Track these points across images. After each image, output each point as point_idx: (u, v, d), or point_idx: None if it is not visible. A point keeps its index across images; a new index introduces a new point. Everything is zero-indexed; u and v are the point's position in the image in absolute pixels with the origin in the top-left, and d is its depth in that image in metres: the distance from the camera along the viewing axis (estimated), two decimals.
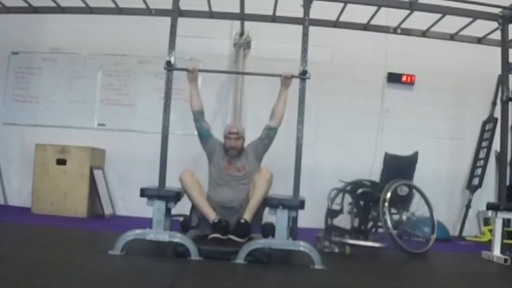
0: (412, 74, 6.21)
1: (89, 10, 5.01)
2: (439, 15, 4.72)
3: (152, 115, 5.37)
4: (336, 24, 5.06)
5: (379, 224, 4.47)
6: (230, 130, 4.27)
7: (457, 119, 6.26)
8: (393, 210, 4.41)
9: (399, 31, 5.08)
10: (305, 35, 4.06)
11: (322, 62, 5.92)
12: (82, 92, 6.18)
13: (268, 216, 3.82)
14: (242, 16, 5.11)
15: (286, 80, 4.14)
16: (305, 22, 4.09)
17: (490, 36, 4.98)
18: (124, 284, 2.82)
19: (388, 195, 4.33)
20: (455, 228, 6.01)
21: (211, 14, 4.94)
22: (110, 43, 6.10)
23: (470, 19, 4.73)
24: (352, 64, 6.19)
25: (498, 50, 4.70)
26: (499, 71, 4.86)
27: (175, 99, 4.24)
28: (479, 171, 6.10)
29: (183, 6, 4.33)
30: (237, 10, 4.96)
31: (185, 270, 3.29)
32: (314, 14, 4.17)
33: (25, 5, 5.00)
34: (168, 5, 4.27)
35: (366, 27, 5.07)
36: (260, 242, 3.62)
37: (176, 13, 4.21)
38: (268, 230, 3.83)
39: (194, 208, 4.06)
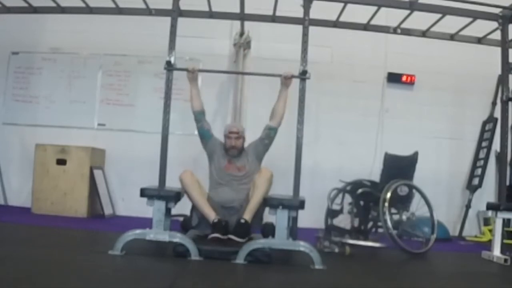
0: (412, 74, 6.21)
1: (89, 10, 5.01)
2: (439, 15, 4.72)
3: (152, 115, 5.37)
4: (336, 24, 5.06)
5: (379, 224, 4.47)
6: (230, 129, 4.27)
7: (457, 119, 6.26)
8: (393, 210, 4.41)
9: (399, 31, 5.08)
10: (305, 35, 4.06)
11: (322, 62, 5.92)
12: (82, 92, 6.18)
13: (268, 216, 3.83)
14: (242, 16, 5.11)
15: (286, 80, 4.14)
16: (305, 22, 4.09)
17: (490, 36, 4.98)
18: (124, 284, 2.82)
19: (388, 195, 4.33)
20: (455, 228, 6.01)
21: (211, 14, 4.94)
22: (110, 43, 6.10)
23: (470, 19, 4.73)
24: (352, 64, 6.19)
25: (498, 50, 4.70)
26: (499, 71, 4.86)
27: (175, 99, 4.24)
28: (479, 171, 6.11)
29: (183, 6, 4.33)
30: (237, 10, 4.96)
31: (185, 270, 3.29)
32: (314, 14, 4.17)
33: (25, 5, 5.00)
34: (168, 5, 4.27)
35: (366, 27, 5.07)
36: (260, 242, 3.62)
37: (176, 13, 4.21)
38: (268, 230, 3.84)
39: (194, 208, 4.07)
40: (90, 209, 5.62)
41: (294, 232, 3.82)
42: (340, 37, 5.64)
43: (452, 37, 5.14)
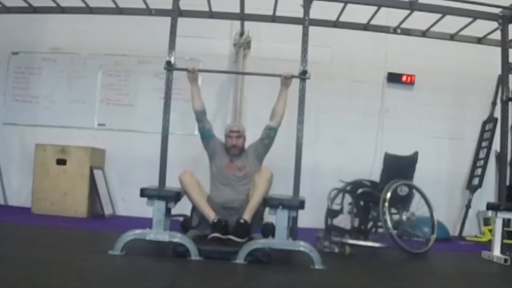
0: (412, 74, 6.21)
1: (89, 10, 5.01)
2: (439, 15, 4.72)
3: (152, 115, 5.37)
4: (336, 24, 5.06)
5: (379, 224, 4.47)
6: (231, 128, 4.29)
7: (457, 119, 6.26)
8: (393, 210, 4.41)
9: (399, 31, 5.08)
10: (305, 35, 4.05)
11: (322, 62, 5.92)
12: (82, 92, 6.18)
13: (268, 216, 3.83)
14: (242, 16, 5.11)
15: (286, 80, 4.14)
16: (305, 22, 4.09)
17: (490, 36, 4.98)
18: (124, 284, 2.82)
19: (388, 195, 4.33)
20: (455, 228, 6.01)
21: (211, 14, 4.94)
22: (110, 43, 6.10)
23: (470, 19, 4.73)
24: (352, 64, 6.19)
25: (498, 50, 4.70)
26: (499, 71, 4.86)
27: (175, 99, 4.24)
28: (479, 171, 6.10)
29: (183, 6, 4.33)
30: (237, 10, 4.96)
31: (185, 270, 3.29)
32: (314, 14, 4.17)
33: (25, 5, 5.00)
34: (168, 5, 4.27)
35: (366, 27, 5.07)
36: (260, 242, 3.62)
37: (176, 13, 4.21)
38: (268, 230, 3.84)
39: (194, 208, 4.07)
40: (90, 209, 5.62)
41: (294, 232, 3.82)
42: (340, 37, 5.64)
43: (452, 37, 5.14)
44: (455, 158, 6.26)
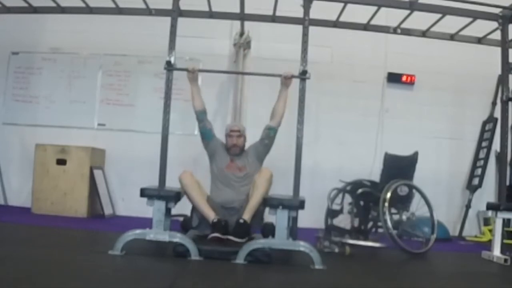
0: (412, 74, 6.21)
1: (89, 10, 5.01)
2: (439, 15, 4.72)
3: (152, 115, 5.37)
4: (336, 24, 5.06)
5: (379, 224, 4.47)
6: (231, 128, 4.31)
7: (457, 119, 6.26)
8: (393, 210, 4.41)
9: (399, 31, 5.07)
10: (305, 35, 4.05)
11: (322, 62, 5.92)
12: (82, 92, 6.18)
13: (268, 216, 3.82)
14: (242, 16, 5.11)
15: (286, 80, 4.14)
16: (305, 22, 4.09)
17: (490, 36, 4.98)
18: (124, 284, 2.82)
19: (388, 195, 4.33)
20: (455, 228, 6.01)
21: (211, 14, 4.94)
22: (110, 43, 6.10)
23: (470, 19, 4.73)
24: (352, 64, 6.19)
25: (498, 50, 4.70)
26: (499, 71, 4.86)
27: (175, 99, 4.24)
28: (479, 171, 6.11)
29: (183, 6, 4.33)
30: (237, 10, 4.96)
31: (185, 270, 3.29)
32: (314, 14, 4.17)
33: (25, 5, 5.00)
34: (168, 5, 4.27)
35: (366, 27, 5.07)
36: (260, 242, 3.62)
37: (176, 13, 4.21)
38: (268, 230, 3.84)
39: (194, 208, 4.07)
40: (90, 209, 5.62)
41: (294, 232, 3.82)
42: (340, 37, 5.64)
43: (452, 37, 5.14)
44: (455, 158, 6.26)
